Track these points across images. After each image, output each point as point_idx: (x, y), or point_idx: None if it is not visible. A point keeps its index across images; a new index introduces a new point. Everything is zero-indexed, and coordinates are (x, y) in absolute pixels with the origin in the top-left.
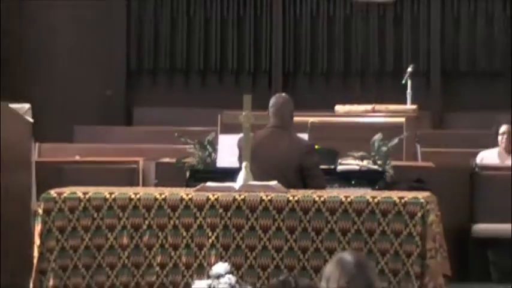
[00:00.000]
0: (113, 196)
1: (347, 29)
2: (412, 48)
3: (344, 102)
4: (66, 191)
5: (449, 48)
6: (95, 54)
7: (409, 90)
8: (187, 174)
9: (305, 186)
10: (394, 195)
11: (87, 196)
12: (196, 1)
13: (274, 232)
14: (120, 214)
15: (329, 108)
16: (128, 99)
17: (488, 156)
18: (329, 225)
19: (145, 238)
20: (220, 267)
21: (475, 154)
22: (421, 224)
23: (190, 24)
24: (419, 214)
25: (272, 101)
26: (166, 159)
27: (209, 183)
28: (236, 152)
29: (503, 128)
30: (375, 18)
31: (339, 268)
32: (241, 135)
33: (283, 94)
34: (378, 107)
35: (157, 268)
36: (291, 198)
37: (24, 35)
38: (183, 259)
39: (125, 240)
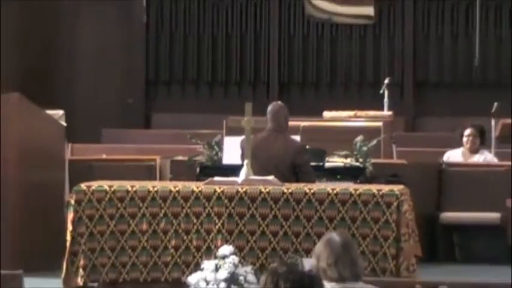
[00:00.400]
0: (134, 189)
1: (333, 47)
2: (389, 63)
3: (330, 109)
4: (95, 185)
5: (420, 62)
6: (119, 67)
7: (386, 99)
8: (198, 170)
9: (297, 180)
10: (373, 188)
11: (112, 189)
12: (205, 21)
13: (271, 219)
14: (140, 204)
15: (318, 114)
16: (146, 106)
17: (453, 155)
18: (318, 214)
19: (162, 224)
20: (226, 249)
21: (442, 153)
22: (396, 212)
23: (200, 41)
24: (394, 204)
25: (269, 108)
26: (180, 158)
27: (216, 178)
28: (239, 151)
29: (468, 131)
30: (357, 37)
31: (328, 248)
32: (243, 137)
33: (279, 102)
34: (359, 113)
35: (172, 250)
36: (285, 190)
37: (60, 51)
38: (194, 242)
39: (144, 226)
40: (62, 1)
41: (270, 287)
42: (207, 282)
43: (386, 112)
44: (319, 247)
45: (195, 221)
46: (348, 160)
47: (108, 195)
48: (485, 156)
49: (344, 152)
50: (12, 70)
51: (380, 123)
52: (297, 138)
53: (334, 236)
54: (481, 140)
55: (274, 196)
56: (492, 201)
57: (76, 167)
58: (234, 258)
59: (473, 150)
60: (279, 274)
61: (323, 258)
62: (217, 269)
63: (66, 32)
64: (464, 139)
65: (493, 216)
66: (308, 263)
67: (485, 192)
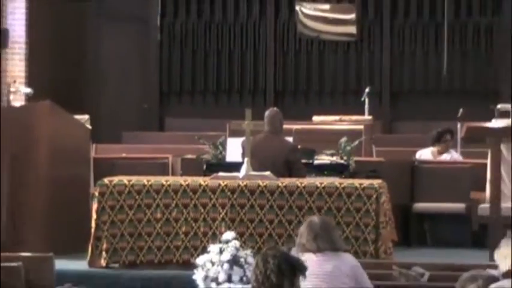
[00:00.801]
0: (149, 183)
1: (321, 60)
2: (369, 74)
3: (319, 114)
4: (115, 179)
5: (396, 74)
6: (137, 79)
7: (366, 105)
8: (204, 166)
9: (290, 175)
10: (356, 182)
11: (130, 183)
12: (211, 39)
13: (268, 209)
14: (155, 196)
15: (308, 118)
16: (160, 112)
17: (424, 154)
18: (308, 204)
19: (173, 213)
20: (228, 235)
21: (415, 152)
22: (375, 203)
23: (206, 56)
24: (374, 196)
25: (266, 113)
26: (189, 156)
27: (220, 173)
28: (240, 150)
29: (449, 137)
30: (341, 52)
31: (308, 228)
32: (243, 138)
33: (275, 108)
34: (343, 117)
35: (182, 235)
36: (280, 184)
37: (87, 65)
38: (201, 229)
39: (159, 215)
40: (89, 22)
41: (260, 266)
42: (213, 263)
43: (366, 117)
44: (302, 227)
45: (202, 210)
46: (334, 158)
47: (127, 188)
48: (452, 155)
49: (331, 151)
50: (46, 81)
51: (361, 126)
52: (290, 139)
53: (315, 218)
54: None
55: (271, 189)
56: (458, 194)
57: (100, 164)
58: (236, 243)
59: (442, 150)
60: (268, 255)
61: (304, 236)
62: (221, 252)
63: (92, 48)
64: (444, 142)
65: (459, 206)
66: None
67: (452, 186)
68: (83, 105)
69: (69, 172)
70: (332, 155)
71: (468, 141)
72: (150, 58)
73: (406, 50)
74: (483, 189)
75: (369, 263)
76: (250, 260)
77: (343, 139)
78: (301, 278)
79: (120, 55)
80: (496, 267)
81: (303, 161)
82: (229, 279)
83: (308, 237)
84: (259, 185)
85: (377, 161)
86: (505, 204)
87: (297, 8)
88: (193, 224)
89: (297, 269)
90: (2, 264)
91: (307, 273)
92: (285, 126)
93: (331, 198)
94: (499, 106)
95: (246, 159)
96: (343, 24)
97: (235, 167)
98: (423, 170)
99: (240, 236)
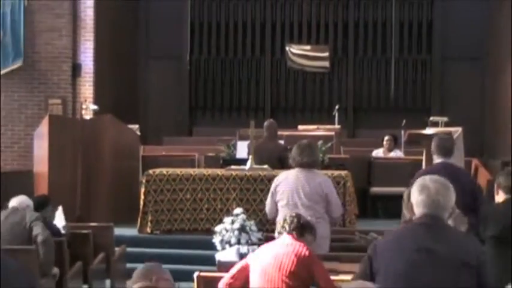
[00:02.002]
0: (181, 173)
1: (304, 86)
2: (338, 95)
3: (302, 124)
4: (157, 171)
5: (357, 95)
6: (173, 98)
7: (336, 118)
8: (221, 161)
9: (282, 168)
10: (329, 172)
11: (168, 173)
12: (225, 69)
13: (266, 192)
14: (185, 182)
15: (295, 127)
16: (190, 123)
17: (378, 152)
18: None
19: (199, 195)
20: (238, 210)
21: (371, 151)
22: (343, 187)
23: (223, 83)
24: (342, 182)
25: (265, 124)
26: (210, 154)
27: (232, 166)
28: (246, 150)
29: (387, 138)
30: (318, 80)
31: (296, 146)
32: (249, 141)
33: (271, 120)
34: (320, 126)
35: (205, 211)
36: (274, 174)
37: (138, 87)
38: (218, 206)
39: (188, 196)
40: (140, 58)
41: None
42: (227, 231)
43: (336, 126)
44: (293, 149)
45: (219, 192)
46: None
47: (166, 177)
48: (397, 153)
49: None
50: (108, 100)
51: (333, 133)
52: (282, 142)
53: (304, 140)
54: (395, 143)
55: (268, 177)
56: (401, 180)
57: (146, 160)
58: (243, 216)
59: (390, 150)
60: None
61: (294, 154)
62: (232, 222)
63: (142, 77)
64: (385, 143)
65: (402, 189)
66: None
67: (397, 174)
68: (134, 117)
69: (125, 165)
70: None
71: (409, 144)
72: (182, 84)
73: (365, 77)
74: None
75: (338, 230)
76: (254, 228)
77: (320, 142)
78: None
79: (161, 82)
80: None
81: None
82: (238, 242)
83: (295, 155)
84: (259, 175)
85: (344, 157)
86: None
87: (287, 48)
88: (213, 203)
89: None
90: (77, 231)
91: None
92: (279, 132)
93: None
94: (431, 118)
95: (250, 157)
96: (320, 60)
97: (243, 162)
98: (377, 164)
99: (246, 211)
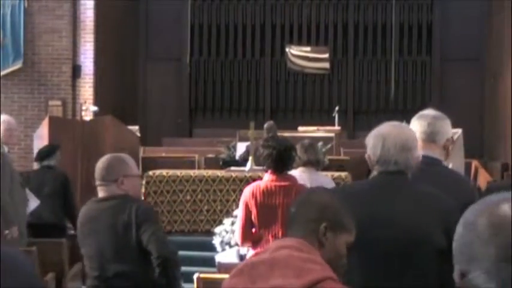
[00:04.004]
0: (181, 174)
1: (304, 87)
2: (338, 97)
3: (302, 125)
4: (157, 172)
5: (357, 97)
6: (173, 100)
7: (336, 119)
8: (221, 163)
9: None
10: (329, 173)
11: (168, 174)
12: (226, 71)
13: None
14: (185, 184)
15: (295, 128)
16: (190, 124)
17: None
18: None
19: (199, 196)
20: (237, 212)
21: None
22: None
23: (223, 85)
24: (342, 183)
25: (265, 125)
26: (210, 155)
27: (232, 168)
28: (246, 151)
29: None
30: (318, 81)
31: (299, 146)
32: (248, 143)
33: (271, 121)
34: (320, 128)
35: (205, 212)
36: None
37: (137, 90)
38: (218, 207)
39: (188, 197)
40: (140, 60)
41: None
42: (226, 232)
43: (336, 127)
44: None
45: (219, 194)
46: None
47: (165, 178)
48: None
49: None
50: (108, 101)
51: (333, 134)
52: None
53: (305, 140)
54: None
55: None
56: None
57: (146, 161)
58: None
59: None
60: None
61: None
62: (232, 224)
63: (141, 79)
64: None
65: None
66: None
67: None
68: (134, 119)
69: None
70: None
71: None
72: (182, 85)
73: (365, 79)
74: None
75: None
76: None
77: (320, 143)
78: None
79: (161, 83)
80: None
81: None
82: (237, 244)
83: (300, 154)
84: (259, 176)
85: (344, 159)
86: None
87: (287, 50)
88: (213, 204)
89: None
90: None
91: None
92: (278, 134)
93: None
94: None
95: (250, 158)
96: (320, 61)
97: (243, 163)
98: None
99: None
